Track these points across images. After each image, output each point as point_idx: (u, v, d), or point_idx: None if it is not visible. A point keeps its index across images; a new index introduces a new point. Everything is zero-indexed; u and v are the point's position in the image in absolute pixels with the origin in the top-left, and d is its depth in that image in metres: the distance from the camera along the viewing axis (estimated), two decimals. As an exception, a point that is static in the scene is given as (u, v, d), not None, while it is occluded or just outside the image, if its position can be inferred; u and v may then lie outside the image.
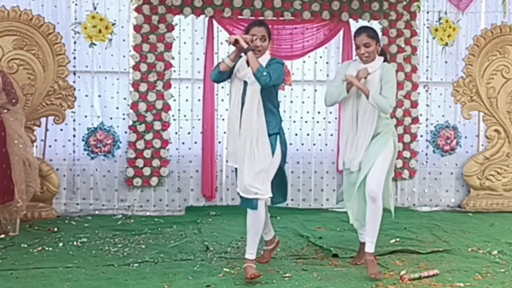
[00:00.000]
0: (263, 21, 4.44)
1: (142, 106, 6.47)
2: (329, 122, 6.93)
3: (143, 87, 6.46)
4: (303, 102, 6.83)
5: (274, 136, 4.17)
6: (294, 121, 6.80)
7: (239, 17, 6.56)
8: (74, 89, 6.35)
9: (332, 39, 6.77)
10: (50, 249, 4.96)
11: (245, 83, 4.16)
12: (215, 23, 6.57)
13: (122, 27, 6.51)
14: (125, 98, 6.55)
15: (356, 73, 4.22)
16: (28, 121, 6.18)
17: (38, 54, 6.17)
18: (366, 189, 4.20)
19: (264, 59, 4.18)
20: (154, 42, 6.45)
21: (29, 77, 6.16)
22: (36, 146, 6.37)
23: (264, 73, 4.01)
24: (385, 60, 4.35)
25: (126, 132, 6.55)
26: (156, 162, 6.53)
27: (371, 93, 4.15)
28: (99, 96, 6.53)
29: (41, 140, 6.37)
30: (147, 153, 6.49)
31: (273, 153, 4.13)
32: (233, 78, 4.24)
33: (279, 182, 4.31)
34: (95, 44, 6.41)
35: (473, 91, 7.00)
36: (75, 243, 5.16)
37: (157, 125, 6.51)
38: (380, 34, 6.80)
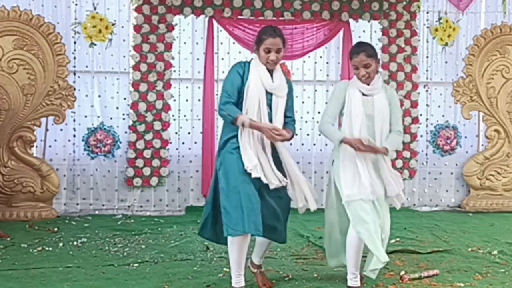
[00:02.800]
0: (278, 29, 3.86)
1: (142, 106, 6.47)
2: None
3: (143, 87, 6.46)
4: (303, 102, 6.83)
5: None
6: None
7: (239, 17, 6.57)
8: (74, 89, 6.35)
9: (332, 39, 6.78)
10: (50, 249, 4.96)
11: (270, 93, 3.83)
12: (215, 23, 6.57)
13: (122, 27, 6.51)
14: (125, 98, 6.55)
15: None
16: (28, 121, 6.20)
17: (38, 54, 6.17)
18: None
19: (281, 76, 3.91)
20: (154, 42, 6.45)
21: (29, 77, 6.16)
22: (36, 146, 6.38)
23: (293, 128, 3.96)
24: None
25: (126, 132, 6.55)
26: (156, 162, 6.53)
27: (389, 148, 3.85)
28: (99, 96, 6.53)
29: (41, 140, 6.37)
30: (147, 153, 6.49)
31: None
32: (252, 87, 3.80)
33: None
34: (95, 44, 6.41)
35: (473, 91, 7.00)
36: (75, 243, 5.16)
37: (157, 125, 6.51)
38: (380, 34, 6.83)
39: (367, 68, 3.87)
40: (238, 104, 3.78)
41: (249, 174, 3.67)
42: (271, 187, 3.72)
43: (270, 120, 3.81)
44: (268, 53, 3.80)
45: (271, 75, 3.87)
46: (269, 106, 3.83)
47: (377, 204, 3.87)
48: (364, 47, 3.93)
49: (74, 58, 6.40)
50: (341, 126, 4.01)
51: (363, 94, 3.93)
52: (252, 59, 3.97)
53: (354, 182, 3.83)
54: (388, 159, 3.97)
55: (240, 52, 6.63)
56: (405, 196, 6.88)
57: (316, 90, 6.87)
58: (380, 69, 6.81)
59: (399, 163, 6.88)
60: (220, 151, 3.86)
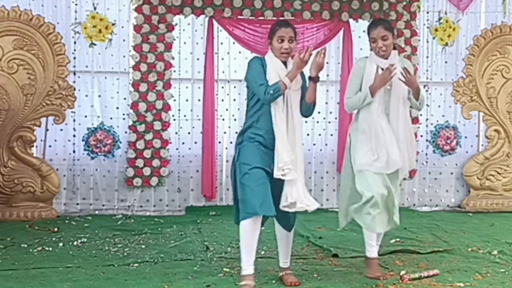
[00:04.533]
0: (290, 21, 4.05)
1: (142, 106, 6.47)
2: (329, 122, 6.93)
3: (143, 87, 6.46)
4: (303, 102, 6.82)
5: None
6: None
7: (239, 17, 6.57)
8: (74, 89, 6.35)
9: (332, 39, 6.77)
10: (50, 249, 4.96)
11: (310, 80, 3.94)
12: (215, 23, 6.57)
13: (122, 27, 6.51)
14: (125, 98, 6.55)
15: (383, 73, 3.98)
16: (28, 121, 6.20)
17: (38, 54, 6.17)
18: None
19: (290, 63, 3.93)
20: (154, 42, 6.45)
21: (29, 77, 6.16)
22: (36, 146, 6.38)
23: (314, 108, 3.98)
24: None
25: (126, 132, 6.55)
26: (156, 162, 6.53)
27: (422, 90, 4.02)
28: (99, 96, 6.53)
29: (41, 140, 6.37)
30: (147, 153, 6.49)
31: None
32: (271, 82, 3.85)
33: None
34: (95, 44, 6.41)
35: (473, 91, 7.00)
36: (75, 243, 5.16)
37: (157, 125, 6.51)
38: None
39: (384, 40, 4.02)
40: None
41: (261, 162, 3.78)
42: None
43: (286, 115, 3.85)
44: (281, 42, 3.86)
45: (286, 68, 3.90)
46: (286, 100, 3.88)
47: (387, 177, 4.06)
48: (382, 21, 4.22)
49: (74, 58, 6.40)
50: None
51: (382, 69, 4.03)
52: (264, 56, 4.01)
53: (368, 154, 4.03)
54: (407, 124, 4.10)
55: (240, 52, 6.63)
56: (405, 196, 7.00)
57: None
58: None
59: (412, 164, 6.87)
60: (238, 144, 3.95)
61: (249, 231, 3.78)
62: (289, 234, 4.09)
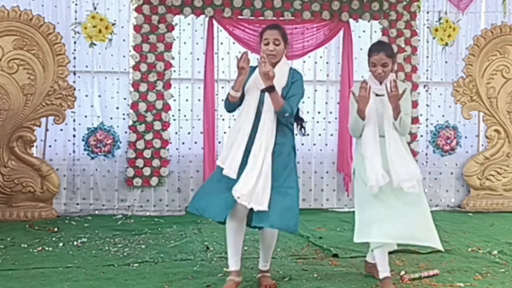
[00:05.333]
0: (278, 24, 4.03)
1: (142, 106, 6.47)
2: (329, 122, 6.93)
3: (143, 87, 6.46)
4: (303, 102, 6.78)
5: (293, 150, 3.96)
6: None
7: (239, 17, 6.57)
8: (74, 89, 6.35)
9: (332, 39, 6.78)
10: (50, 249, 4.96)
11: (263, 92, 3.83)
12: (215, 23, 6.57)
13: (122, 27, 6.51)
14: (125, 98, 6.55)
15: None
16: (28, 121, 6.20)
17: (38, 54, 6.17)
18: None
19: (283, 71, 3.89)
20: (154, 42, 6.45)
21: (29, 77, 6.16)
22: (36, 146, 6.38)
23: (286, 114, 3.78)
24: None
25: (126, 132, 6.55)
26: (156, 162, 6.53)
27: (402, 114, 3.90)
28: (99, 96, 6.53)
29: (41, 140, 6.37)
30: (147, 153, 6.49)
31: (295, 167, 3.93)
32: (251, 87, 3.88)
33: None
34: (95, 44, 6.41)
35: (473, 91, 7.00)
36: (75, 243, 5.16)
37: (157, 125, 6.51)
38: (380, 34, 6.84)
39: (384, 67, 3.98)
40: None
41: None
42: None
43: (258, 118, 3.81)
44: (266, 45, 3.86)
45: None
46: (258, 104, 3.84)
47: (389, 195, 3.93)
48: (385, 47, 4.10)
49: (74, 58, 6.40)
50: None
51: (376, 94, 3.99)
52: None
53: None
54: (399, 140, 4.00)
55: (240, 52, 6.58)
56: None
57: (316, 90, 6.87)
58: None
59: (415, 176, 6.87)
60: None
61: (228, 230, 3.89)
62: (269, 235, 3.97)
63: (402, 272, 4.29)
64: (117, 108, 6.56)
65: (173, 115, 6.60)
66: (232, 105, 3.95)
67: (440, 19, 6.98)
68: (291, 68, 4.00)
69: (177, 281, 4.11)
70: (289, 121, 3.88)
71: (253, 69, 3.92)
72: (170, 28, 6.49)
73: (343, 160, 6.81)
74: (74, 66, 6.41)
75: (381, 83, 4.00)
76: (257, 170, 3.73)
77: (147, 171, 6.50)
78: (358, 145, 4.14)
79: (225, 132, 6.71)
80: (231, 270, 3.95)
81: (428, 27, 7.01)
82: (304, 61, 6.82)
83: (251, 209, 3.75)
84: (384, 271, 3.94)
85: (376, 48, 4.06)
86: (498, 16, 7.07)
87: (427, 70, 7.06)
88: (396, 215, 3.87)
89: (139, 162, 6.49)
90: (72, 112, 6.41)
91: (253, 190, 3.69)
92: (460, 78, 7.01)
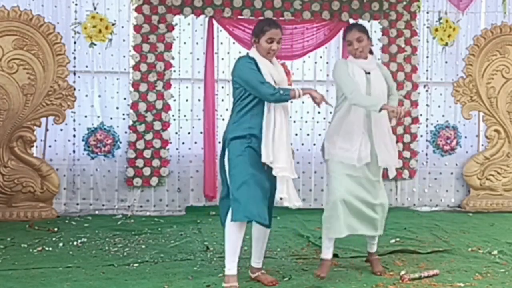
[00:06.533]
0: (278, 22, 4.04)
1: (142, 106, 6.47)
2: (329, 122, 6.90)
3: (143, 87, 6.46)
4: (303, 102, 6.81)
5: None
6: (294, 121, 6.79)
7: (239, 17, 6.57)
8: (74, 89, 6.35)
9: (332, 39, 6.77)
10: (50, 249, 4.96)
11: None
12: (215, 23, 6.57)
13: (122, 27, 6.51)
14: (125, 98, 6.55)
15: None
16: (28, 121, 6.20)
17: (38, 54, 6.17)
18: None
19: (280, 69, 4.06)
20: (154, 42, 6.45)
21: (29, 77, 6.16)
22: (36, 146, 6.38)
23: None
24: None
25: (126, 132, 6.55)
26: (156, 162, 6.53)
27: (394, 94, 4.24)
28: (99, 96, 6.53)
29: (41, 140, 6.37)
30: (147, 153, 6.49)
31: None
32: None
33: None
34: (95, 44, 6.41)
35: (473, 91, 7.00)
36: (75, 243, 5.16)
37: (157, 125, 6.51)
38: (380, 34, 6.84)
39: (359, 42, 4.10)
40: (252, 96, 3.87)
41: (257, 166, 3.81)
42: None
43: (283, 117, 3.91)
44: (270, 43, 3.87)
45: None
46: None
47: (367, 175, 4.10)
48: (355, 24, 4.36)
49: (74, 58, 6.40)
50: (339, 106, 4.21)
51: (365, 72, 4.12)
52: (247, 53, 4.00)
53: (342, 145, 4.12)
54: (385, 123, 4.14)
55: (240, 52, 6.61)
56: (405, 196, 6.98)
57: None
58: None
59: (399, 163, 6.87)
60: (229, 145, 3.91)
61: (237, 232, 3.84)
62: (266, 232, 4.09)
63: (402, 272, 4.29)
64: (117, 108, 6.56)
65: (173, 115, 6.60)
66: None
67: (440, 19, 6.98)
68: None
69: (177, 281, 4.11)
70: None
71: (253, 61, 3.89)
72: (170, 28, 6.49)
73: (343, 160, 6.81)
74: (74, 66, 6.41)
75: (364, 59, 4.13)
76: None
77: (147, 171, 6.51)
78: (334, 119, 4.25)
79: (225, 132, 6.71)
80: (232, 274, 3.88)
81: (428, 27, 7.01)
82: (304, 61, 6.82)
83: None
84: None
85: (348, 27, 4.27)
86: (498, 16, 7.06)
87: (427, 70, 7.06)
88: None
89: (139, 162, 6.50)
90: (72, 112, 6.41)
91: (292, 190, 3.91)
92: (460, 78, 7.01)
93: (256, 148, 3.83)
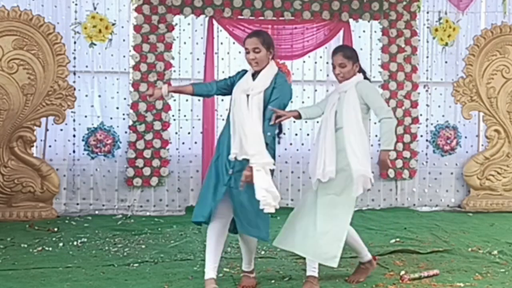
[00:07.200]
0: (259, 31, 4.06)
1: (142, 106, 6.47)
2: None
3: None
4: (303, 102, 6.82)
5: None
6: (294, 121, 6.78)
7: (239, 17, 6.57)
8: (74, 89, 6.35)
9: (332, 39, 6.77)
10: (50, 249, 4.96)
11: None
12: (215, 23, 6.58)
13: (122, 27, 6.51)
14: (125, 98, 6.55)
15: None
16: (28, 121, 6.20)
17: (38, 54, 6.17)
18: None
19: (269, 74, 3.84)
20: (154, 42, 6.45)
21: (29, 77, 6.16)
22: (36, 146, 6.38)
23: (269, 134, 3.80)
24: (365, 78, 4.13)
25: (126, 132, 6.55)
26: (156, 162, 6.53)
27: (387, 149, 3.96)
28: (99, 96, 6.53)
29: (41, 140, 6.37)
30: (147, 153, 6.49)
31: None
32: (234, 89, 3.93)
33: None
34: (95, 44, 6.41)
35: (473, 91, 7.00)
36: (75, 243, 5.16)
37: (157, 125, 6.51)
38: (380, 34, 6.83)
39: (342, 67, 4.03)
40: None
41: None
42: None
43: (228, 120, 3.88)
44: (247, 53, 3.87)
45: (254, 77, 3.87)
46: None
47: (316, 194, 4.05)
48: (343, 48, 4.26)
49: (74, 58, 6.40)
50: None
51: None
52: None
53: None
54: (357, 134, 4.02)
55: (240, 52, 6.62)
56: (405, 196, 6.97)
57: (316, 90, 6.87)
58: (380, 69, 6.84)
59: (399, 163, 6.89)
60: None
61: (210, 237, 3.90)
62: (247, 238, 4.00)
63: (402, 272, 4.29)
64: (117, 108, 6.56)
65: (173, 115, 6.61)
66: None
67: (440, 19, 6.98)
68: (278, 73, 3.89)
69: (177, 281, 4.12)
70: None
71: (242, 73, 3.97)
72: (170, 28, 6.49)
73: (343, 160, 6.80)
74: (74, 66, 6.41)
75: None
76: None
77: (147, 171, 6.51)
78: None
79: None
80: (207, 278, 3.83)
81: (428, 27, 7.01)
82: (304, 61, 6.82)
83: (234, 215, 3.85)
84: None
85: (334, 50, 4.16)
86: (498, 16, 7.07)
87: (427, 70, 7.06)
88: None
89: (139, 162, 6.50)
90: (72, 112, 6.41)
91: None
92: (460, 78, 7.01)
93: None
